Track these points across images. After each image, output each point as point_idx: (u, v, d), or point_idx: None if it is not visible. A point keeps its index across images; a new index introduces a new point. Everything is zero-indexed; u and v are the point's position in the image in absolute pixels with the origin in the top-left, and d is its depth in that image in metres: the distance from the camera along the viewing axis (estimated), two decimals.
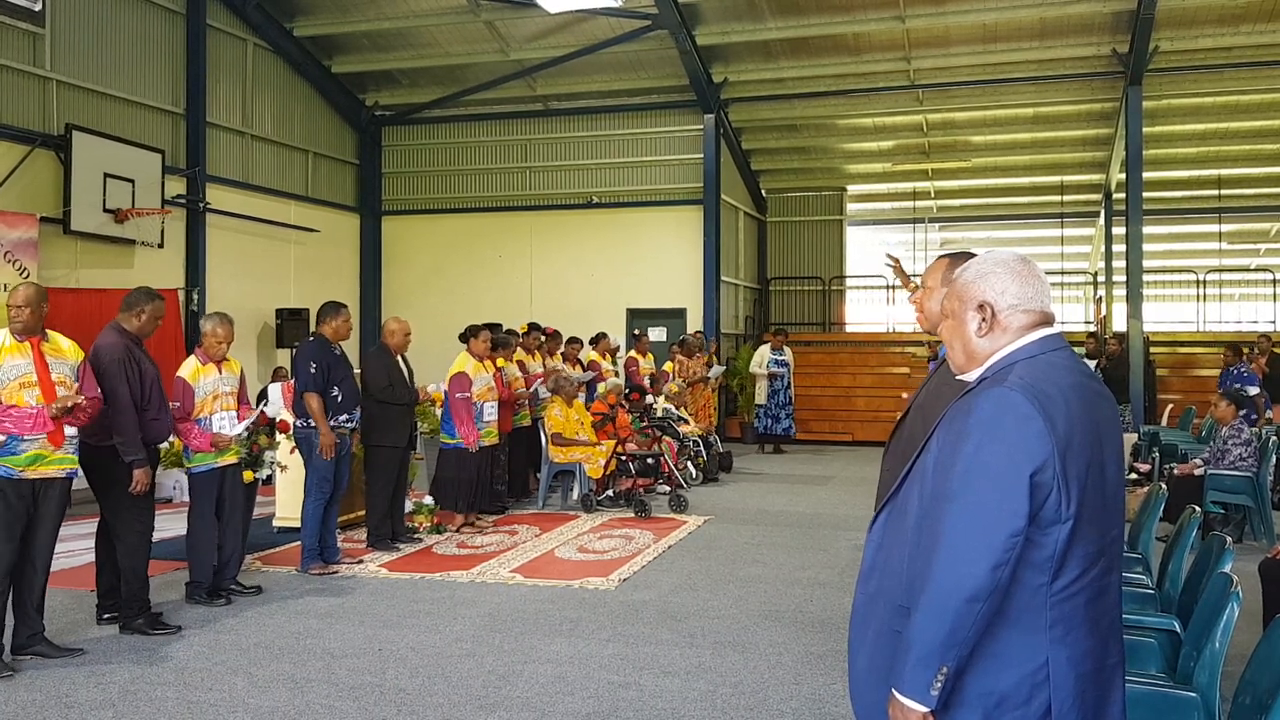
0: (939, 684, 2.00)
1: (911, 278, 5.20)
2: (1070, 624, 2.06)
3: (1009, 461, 2.00)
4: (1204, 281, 18.60)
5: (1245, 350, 12.50)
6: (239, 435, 6.51)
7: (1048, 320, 2.21)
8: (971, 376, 2.25)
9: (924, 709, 2.02)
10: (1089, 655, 2.09)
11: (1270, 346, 12.81)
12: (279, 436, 7.69)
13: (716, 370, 13.93)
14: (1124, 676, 2.21)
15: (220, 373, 6.41)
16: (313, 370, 7.14)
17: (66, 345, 5.36)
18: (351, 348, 7.81)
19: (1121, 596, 2.23)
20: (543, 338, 11.38)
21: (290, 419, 7.65)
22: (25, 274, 10.54)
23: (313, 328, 9.26)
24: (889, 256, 5.40)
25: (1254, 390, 11.77)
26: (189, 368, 6.35)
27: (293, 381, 7.63)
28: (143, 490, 5.68)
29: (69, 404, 5.11)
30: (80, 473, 5.48)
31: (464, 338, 8.85)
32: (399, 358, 8.08)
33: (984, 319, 2.21)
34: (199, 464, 6.28)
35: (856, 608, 2.32)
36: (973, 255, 2.72)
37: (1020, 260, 2.24)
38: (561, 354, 11.79)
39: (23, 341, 5.10)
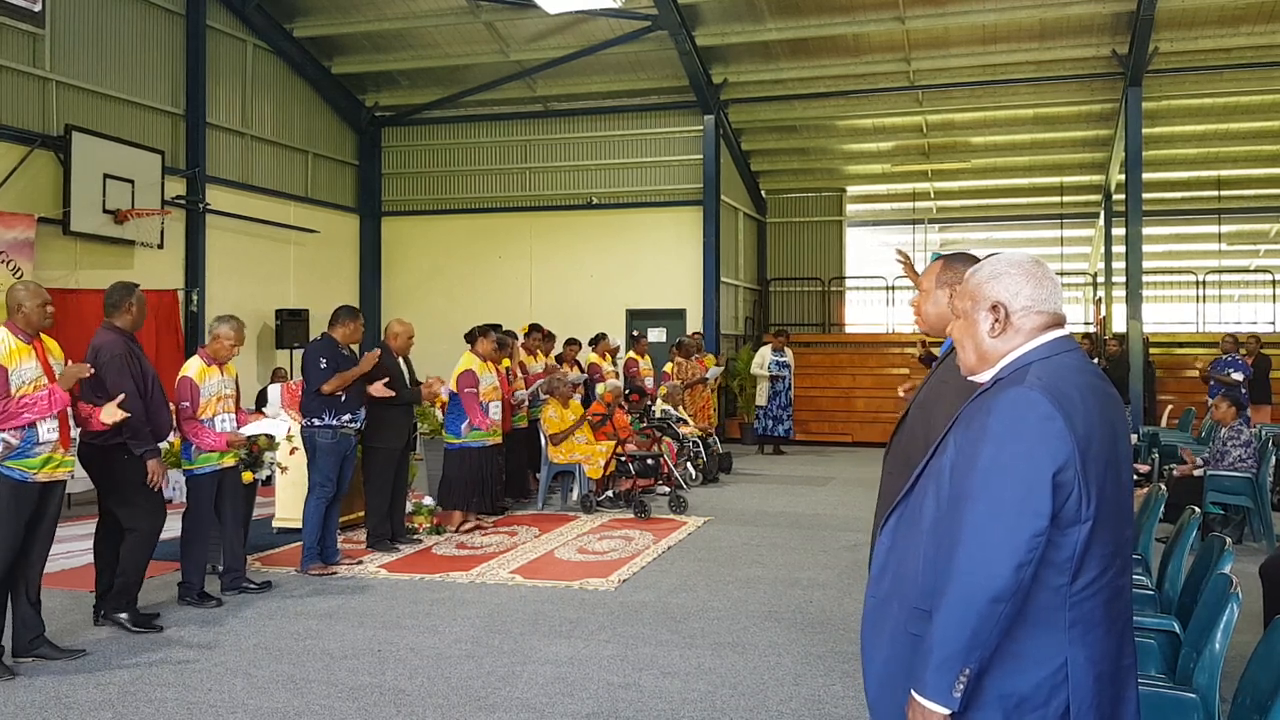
0: (961, 686, 2.00)
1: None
2: (1089, 624, 2.06)
3: (1031, 461, 2.00)
4: (1203, 282, 18.61)
5: (1244, 339, 12.65)
6: (253, 436, 6.53)
7: (1059, 322, 2.22)
8: (984, 377, 2.25)
9: (946, 711, 2.01)
10: (1106, 656, 2.10)
11: (1259, 347, 12.88)
12: (278, 437, 7.68)
13: (714, 371, 13.94)
14: (1136, 677, 2.22)
15: (222, 375, 6.42)
16: (323, 365, 7.17)
17: (55, 345, 5.36)
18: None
19: (1132, 597, 2.23)
20: (540, 338, 11.38)
21: (289, 420, 7.65)
22: (19, 274, 10.52)
23: (313, 329, 9.25)
24: (899, 252, 5.38)
25: (1238, 376, 11.81)
26: (194, 368, 6.33)
27: (295, 381, 7.63)
28: (159, 481, 5.68)
29: (83, 373, 5.09)
30: (74, 475, 5.47)
31: (470, 339, 8.86)
32: (400, 359, 8.09)
33: (997, 319, 2.21)
34: (200, 465, 6.28)
35: (868, 611, 2.31)
36: (968, 256, 2.71)
37: (1034, 262, 2.24)
38: (558, 355, 11.80)
39: (28, 343, 5.08)
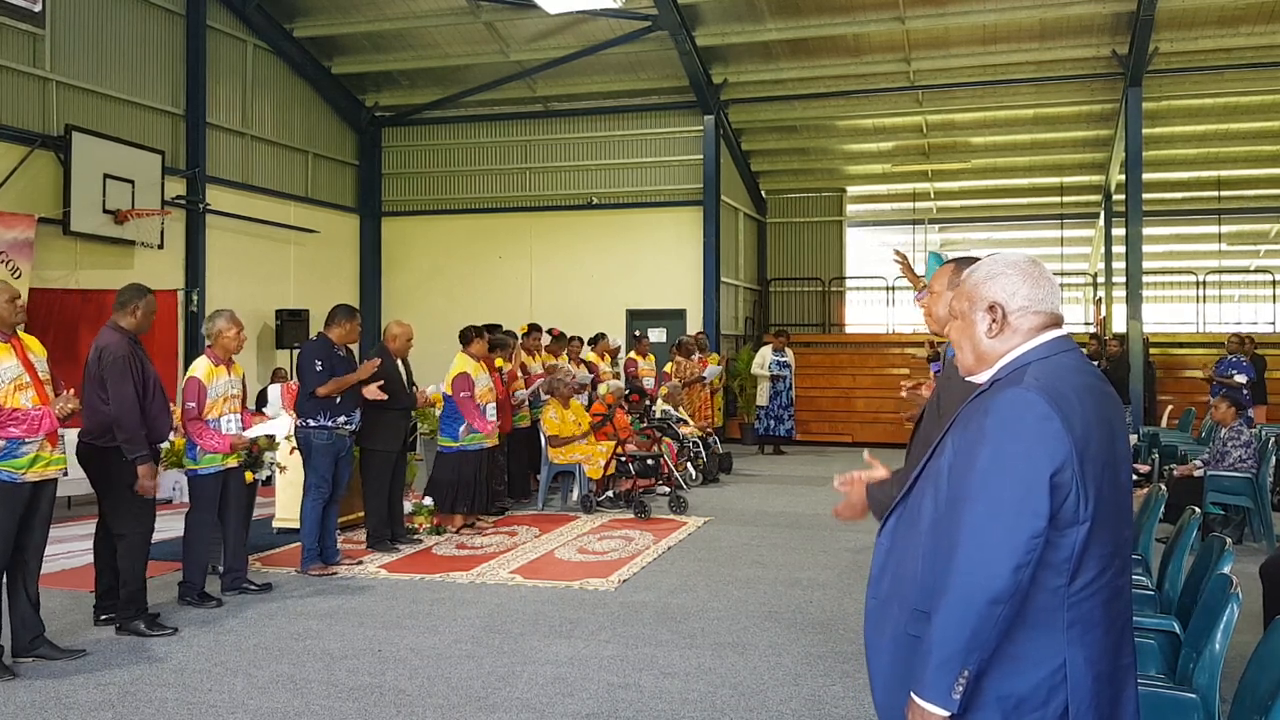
0: (961, 687, 2.00)
1: (920, 277, 5.16)
2: (1087, 625, 2.06)
3: (1029, 462, 2.00)
4: (1204, 283, 18.61)
5: (1246, 340, 12.65)
6: (256, 438, 6.52)
7: (1057, 322, 2.21)
8: (981, 378, 2.25)
9: (945, 713, 2.01)
10: (1105, 656, 2.10)
11: (1253, 348, 12.89)
12: (279, 437, 7.68)
13: (712, 370, 13.94)
14: (1136, 677, 2.22)
15: (229, 375, 6.40)
16: (319, 368, 7.15)
17: (35, 343, 5.33)
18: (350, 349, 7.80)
19: (1131, 597, 2.23)
20: (548, 338, 11.37)
21: (291, 418, 7.65)
22: (17, 274, 10.52)
23: (313, 329, 9.25)
24: (896, 253, 5.38)
25: (1241, 378, 11.79)
26: (202, 368, 6.31)
27: (294, 381, 7.62)
28: (147, 489, 5.67)
29: (70, 407, 5.10)
30: (68, 474, 5.45)
31: (464, 340, 8.85)
32: (398, 361, 8.08)
33: (994, 320, 2.21)
34: (204, 466, 6.27)
35: (869, 613, 2.30)
36: (978, 259, 2.71)
37: (1030, 262, 2.24)
38: (567, 353, 11.79)
39: (6, 342, 5.05)
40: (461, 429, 8.48)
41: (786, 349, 14.84)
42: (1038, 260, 2.27)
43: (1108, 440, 2.11)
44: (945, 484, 2.15)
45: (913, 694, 2.05)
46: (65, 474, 5.33)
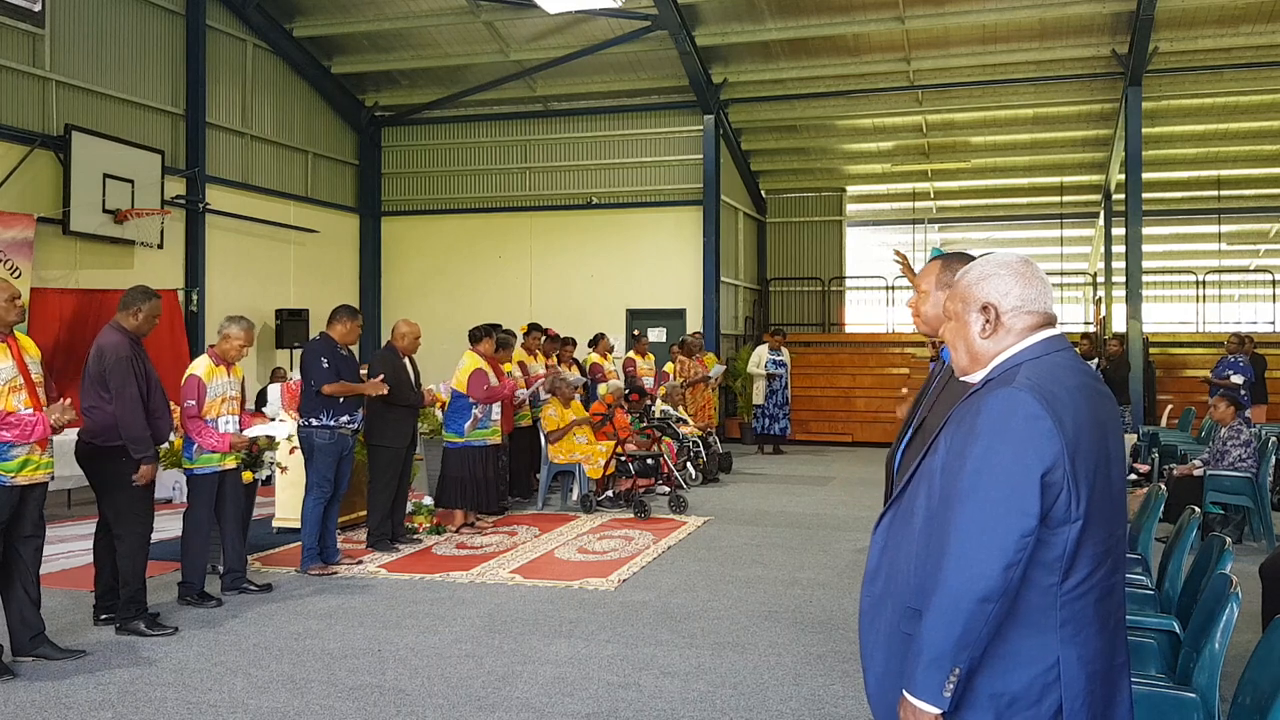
0: (951, 685, 2.01)
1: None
2: (1080, 623, 2.07)
3: (1019, 461, 2.01)
4: (1203, 282, 18.61)
5: (1245, 341, 12.65)
6: (255, 437, 6.52)
7: (1050, 321, 2.22)
8: (975, 378, 2.26)
9: (937, 711, 2.02)
10: (1099, 655, 2.10)
11: (1253, 348, 12.91)
12: (278, 438, 7.69)
13: (718, 369, 13.95)
14: (1130, 676, 2.22)
15: (229, 376, 6.40)
16: (325, 365, 7.17)
17: (30, 343, 5.30)
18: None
19: (1125, 596, 2.24)
20: (543, 338, 11.37)
21: (290, 423, 7.65)
22: (17, 274, 10.53)
23: (313, 329, 9.27)
24: (896, 253, 5.38)
25: (1238, 379, 11.79)
26: (202, 366, 6.31)
27: (294, 381, 7.63)
28: (146, 482, 5.66)
29: (67, 419, 5.08)
30: (55, 478, 5.42)
31: (474, 339, 8.87)
32: (406, 360, 8.09)
33: (988, 320, 2.22)
34: (202, 465, 6.27)
35: (864, 611, 2.31)
36: (967, 256, 2.71)
37: (1023, 262, 2.25)
38: (558, 355, 11.79)
39: (2, 342, 5.01)
40: (467, 424, 8.50)
41: (783, 348, 14.85)
42: (1030, 260, 2.28)
43: (1100, 439, 2.11)
44: (938, 483, 2.16)
45: (905, 691, 2.06)
46: (53, 478, 5.30)
